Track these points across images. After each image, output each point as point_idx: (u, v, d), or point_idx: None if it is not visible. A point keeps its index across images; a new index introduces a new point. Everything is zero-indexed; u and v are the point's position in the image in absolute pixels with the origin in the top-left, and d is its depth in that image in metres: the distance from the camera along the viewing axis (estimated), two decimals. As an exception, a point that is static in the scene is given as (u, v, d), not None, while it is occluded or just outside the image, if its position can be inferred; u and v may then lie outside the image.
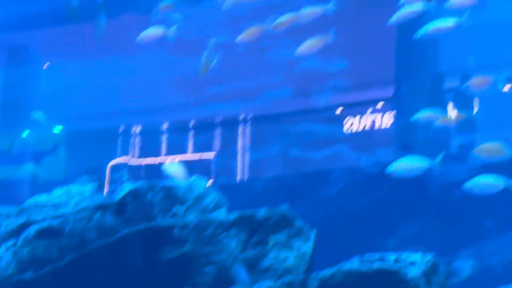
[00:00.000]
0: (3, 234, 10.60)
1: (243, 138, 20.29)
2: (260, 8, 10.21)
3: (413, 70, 12.74)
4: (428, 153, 15.90)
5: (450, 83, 17.05)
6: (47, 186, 14.28)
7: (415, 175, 10.39)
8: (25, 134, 18.19)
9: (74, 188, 11.72)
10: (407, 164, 10.50)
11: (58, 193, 11.56)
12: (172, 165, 15.32)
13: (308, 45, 10.21)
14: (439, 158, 10.04)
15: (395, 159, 14.60)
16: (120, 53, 11.08)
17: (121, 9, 10.91)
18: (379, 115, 17.99)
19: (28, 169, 19.51)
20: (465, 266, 13.58)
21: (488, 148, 10.10)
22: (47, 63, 14.99)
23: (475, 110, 17.65)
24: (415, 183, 10.57)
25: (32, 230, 10.37)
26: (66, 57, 13.28)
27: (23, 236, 10.44)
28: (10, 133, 19.25)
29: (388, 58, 16.52)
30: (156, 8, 11.40)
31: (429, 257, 9.07)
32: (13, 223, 10.76)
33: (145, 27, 11.34)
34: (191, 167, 17.42)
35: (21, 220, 10.78)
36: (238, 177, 18.24)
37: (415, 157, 10.68)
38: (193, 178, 11.22)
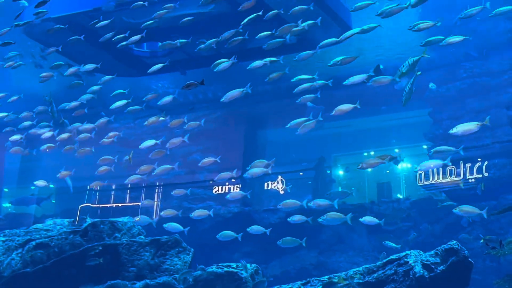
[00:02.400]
0: (15, 245, 12.57)
1: (157, 196, 23.57)
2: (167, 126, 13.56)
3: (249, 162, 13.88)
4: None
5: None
6: (43, 219, 16.52)
7: None
8: (33, 187, 20.82)
9: (58, 221, 13.88)
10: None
11: (49, 223, 13.69)
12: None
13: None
14: None
15: (240, 210, 18.20)
16: (91, 146, 13.78)
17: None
18: (232, 186, 21.87)
19: (33, 208, 21.88)
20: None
21: (288, 203, 12.43)
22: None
23: None
24: (250, 223, 13.14)
25: (32, 244, 12.37)
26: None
27: (27, 247, 12.40)
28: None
29: (238, 157, 20.56)
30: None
31: (254, 265, 11.41)
32: (21, 239, 12.74)
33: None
34: (127, 210, 20.66)
35: (26, 237, 12.74)
36: (154, 217, 20.98)
37: None
38: (127, 217, 13.27)
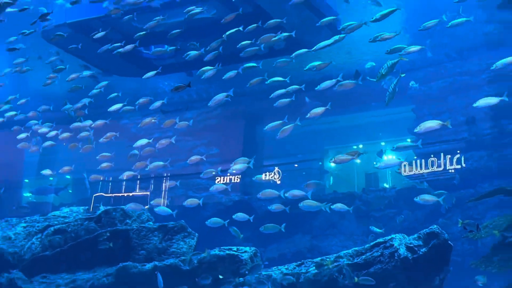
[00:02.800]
0: (35, 231, 13.00)
1: (164, 185, 24.35)
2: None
3: (249, 155, 14.55)
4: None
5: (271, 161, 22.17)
6: (60, 207, 17.13)
7: None
8: (51, 178, 21.61)
9: (75, 208, 14.35)
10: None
11: (65, 210, 14.18)
12: None
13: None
14: None
15: (240, 199, 18.76)
16: (101, 143, 14.41)
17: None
18: (233, 177, 22.58)
19: (51, 197, 22.80)
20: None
21: (268, 193, 12.66)
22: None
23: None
24: (249, 211, 13.43)
25: (51, 229, 12.81)
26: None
27: (45, 233, 12.83)
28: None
29: (237, 150, 21.14)
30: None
31: (253, 248, 11.60)
32: (40, 225, 13.18)
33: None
34: (137, 199, 21.23)
35: (45, 224, 13.17)
36: (162, 205, 21.66)
37: None
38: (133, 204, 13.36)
